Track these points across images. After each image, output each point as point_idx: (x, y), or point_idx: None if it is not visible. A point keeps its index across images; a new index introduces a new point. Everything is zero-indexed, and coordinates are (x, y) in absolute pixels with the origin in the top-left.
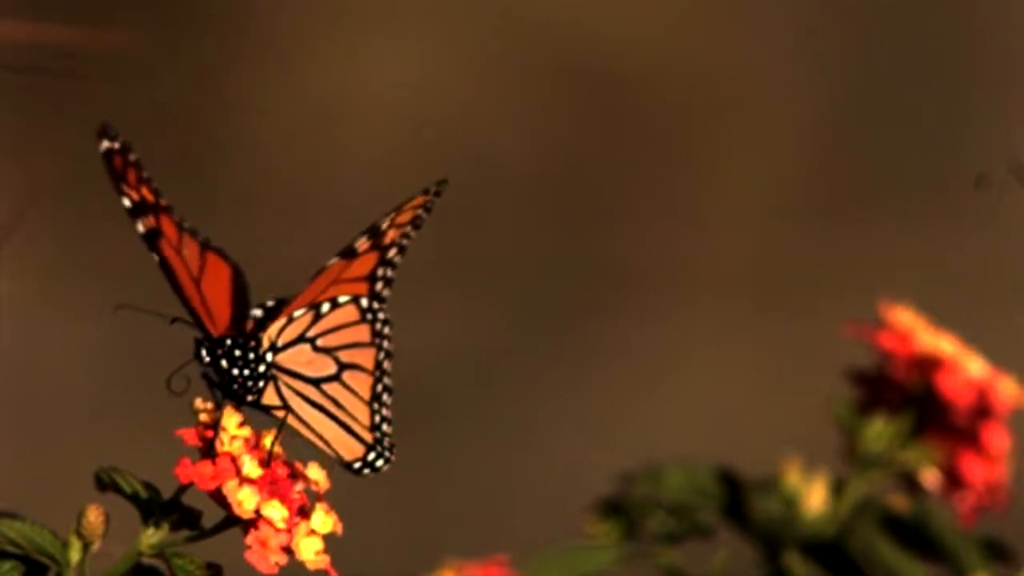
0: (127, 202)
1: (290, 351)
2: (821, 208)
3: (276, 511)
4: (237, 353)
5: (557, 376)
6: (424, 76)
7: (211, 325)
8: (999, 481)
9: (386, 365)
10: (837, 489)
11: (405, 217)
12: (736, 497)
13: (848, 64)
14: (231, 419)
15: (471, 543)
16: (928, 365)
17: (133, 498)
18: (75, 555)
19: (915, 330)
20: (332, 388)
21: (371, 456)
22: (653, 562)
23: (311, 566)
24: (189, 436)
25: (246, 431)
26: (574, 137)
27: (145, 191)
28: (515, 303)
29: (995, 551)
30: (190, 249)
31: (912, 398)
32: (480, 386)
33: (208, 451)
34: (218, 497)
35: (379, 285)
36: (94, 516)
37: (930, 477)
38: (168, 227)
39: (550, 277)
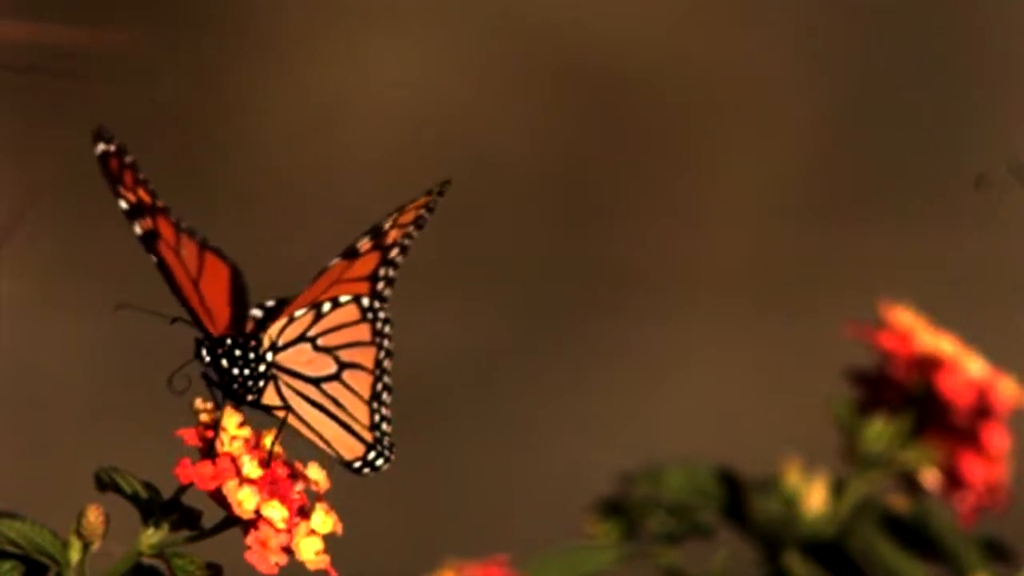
0: (124, 204)
1: (290, 350)
2: (821, 208)
3: (276, 511)
4: (237, 353)
5: (557, 376)
6: (424, 76)
7: (210, 325)
8: (999, 481)
9: (386, 364)
10: (837, 489)
11: (408, 217)
12: (736, 497)
13: (848, 64)
14: (231, 419)
15: (471, 543)
16: (928, 365)
17: (133, 498)
18: (75, 555)
19: (915, 330)
20: (332, 387)
21: (371, 455)
22: (653, 562)
23: (311, 566)
24: (189, 436)
25: (246, 431)
26: (574, 137)
27: (142, 193)
28: (515, 303)
29: (995, 551)
30: (188, 249)
31: (912, 398)
32: (480, 386)
33: (208, 451)
34: (218, 497)
35: (381, 284)
36: (94, 516)
37: (930, 477)
38: (165, 228)
39: (550, 277)
